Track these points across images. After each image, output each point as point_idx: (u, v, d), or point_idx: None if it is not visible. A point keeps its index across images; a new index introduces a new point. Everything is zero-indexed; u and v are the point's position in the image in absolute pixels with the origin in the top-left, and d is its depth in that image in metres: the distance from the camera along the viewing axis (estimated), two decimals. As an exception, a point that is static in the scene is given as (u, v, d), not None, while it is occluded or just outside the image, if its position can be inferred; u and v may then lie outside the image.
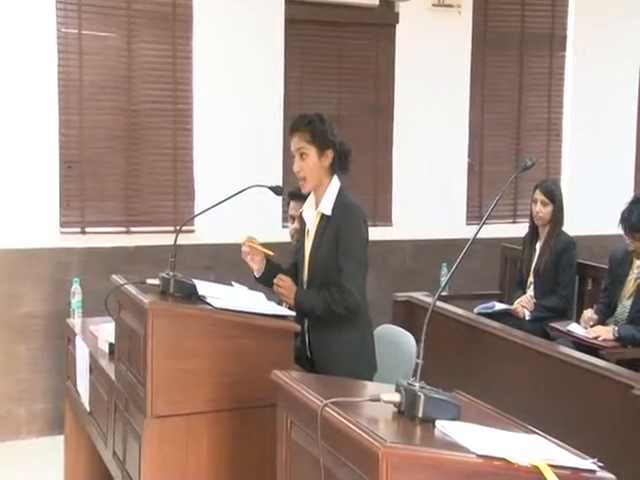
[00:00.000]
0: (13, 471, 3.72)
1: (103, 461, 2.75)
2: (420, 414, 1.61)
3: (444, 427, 1.58)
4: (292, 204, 3.53)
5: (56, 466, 3.34)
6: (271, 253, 2.75)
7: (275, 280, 2.67)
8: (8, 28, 4.13)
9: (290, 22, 4.72)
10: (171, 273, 2.50)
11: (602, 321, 3.72)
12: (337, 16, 4.89)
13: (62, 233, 4.30)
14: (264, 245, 2.76)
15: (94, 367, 2.81)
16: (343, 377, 2.25)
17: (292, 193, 3.52)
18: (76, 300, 3.30)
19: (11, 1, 4.13)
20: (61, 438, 3.37)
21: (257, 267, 2.75)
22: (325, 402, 1.62)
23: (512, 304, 4.08)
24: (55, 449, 3.47)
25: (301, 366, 2.69)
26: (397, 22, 5.01)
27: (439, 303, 3.80)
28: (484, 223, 1.96)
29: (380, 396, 1.65)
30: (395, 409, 1.65)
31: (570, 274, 4.07)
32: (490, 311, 3.94)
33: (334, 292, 2.60)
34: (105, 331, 2.83)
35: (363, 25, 4.97)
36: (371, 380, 2.64)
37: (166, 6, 4.46)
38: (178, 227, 2.89)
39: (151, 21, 4.45)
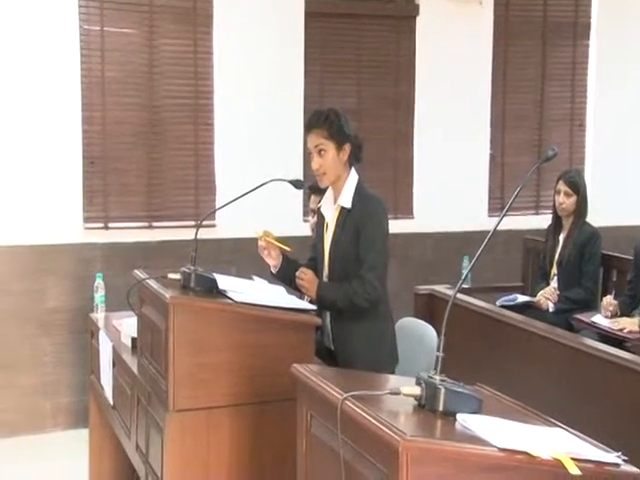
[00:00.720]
0: (39, 464, 3.77)
1: (127, 454, 2.77)
2: (441, 407, 1.61)
3: (465, 420, 1.57)
4: (313, 198, 3.53)
5: (81, 459, 3.37)
6: (288, 249, 2.74)
7: (297, 273, 2.66)
8: (31, 26, 4.17)
9: (310, 15, 4.71)
10: (192, 267, 2.51)
11: (627, 313, 3.67)
12: (357, 9, 4.87)
13: (85, 229, 4.35)
14: (281, 240, 2.74)
15: (117, 361, 2.83)
16: (365, 369, 2.25)
17: (313, 187, 3.52)
18: (99, 295, 3.32)
19: (34, -1, 4.18)
20: (86, 431, 3.40)
21: (274, 262, 2.75)
22: (345, 395, 1.61)
23: (535, 296, 4.04)
24: (80, 442, 3.51)
25: (322, 360, 2.69)
26: (417, 14, 4.98)
27: (461, 296, 3.78)
28: (505, 215, 1.94)
29: (400, 389, 1.65)
30: (415, 402, 1.64)
31: (594, 265, 4.02)
32: (512, 303, 3.91)
33: (355, 284, 2.59)
34: (128, 325, 2.85)
35: (383, 17, 4.95)
36: (393, 372, 2.63)
37: (187, 1, 4.48)
38: (199, 222, 2.90)
39: (172, 17, 4.47)
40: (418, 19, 4.98)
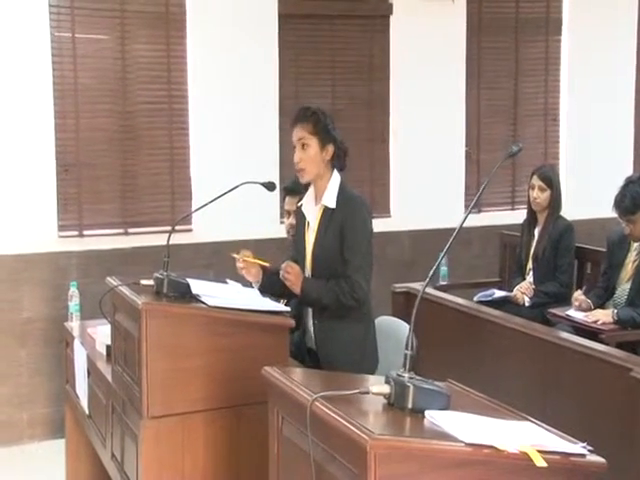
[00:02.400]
0: (17, 476, 3.73)
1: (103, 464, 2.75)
2: (410, 405, 1.61)
3: (433, 417, 1.58)
4: (287, 199, 3.53)
5: (59, 470, 3.34)
6: (266, 264, 2.74)
7: (283, 266, 2.65)
8: (1, 33, 4.13)
9: (283, 17, 4.71)
10: (165, 273, 2.50)
11: (600, 304, 3.70)
12: (330, 9, 4.87)
13: (60, 237, 4.30)
14: (258, 257, 2.75)
15: (92, 370, 2.81)
16: (347, 370, 2.25)
17: (287, 188, 3.52)
18: (73, 303, 3.29)
19: (4, 6, 4.13)
20: (63, 442, 3.37)
21: (254, 279, 2.75)
22: (314, 396, 1.62)
23: (512, 291, 4.06)
24: (57, 453, 3.47)
25: (300, 361, 2.69)
26: (391, 13, 4.99)
27: (438, 293, 3.80)
28: (470, 212, 1.97)
29: (369, 388, 1.65)
30: (385, 401, 1.65)
31: (569, 258, 4.05)
32: (490, 299, 3.92)
33: (342, 283, 2.59)
34: (102, 333, 2.84)
35: (357, 17, 4.96)
36: (374, 372, 2.63)
37: (159, 6, 4.45)
38: (172, 226, 2.89)
39: (144, 22, 4.44)
40: (392, 18, 4.99)
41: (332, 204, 2.66)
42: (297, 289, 2.64)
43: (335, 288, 2.60)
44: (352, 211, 2.63)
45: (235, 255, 2.73)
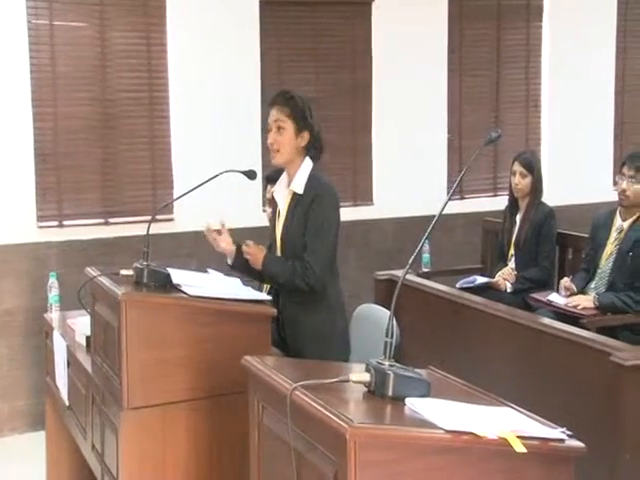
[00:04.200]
0: (-2, 469, 3.72)
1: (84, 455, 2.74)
2: (390, 393, 1.61)
3: (413, 404, 1.58)
4: (269, 188, 3.52)
5: (40, 462, 3.32)
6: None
7: (242, 246, 2.68)
8: (-24, 22, 4.08)
9: (265, 4, 4.67)
10: (145, 263, 2.48)
11: (583, 287, 3.71)
12: (312, -4, 4.85)
13: (39, 227, 4.25)
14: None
15: (72, 361, 2.79)
16: (316, 359, 2.24)
17: (269, 177, 3.51)
18: (53, 294, 3.27)
19: (-22, -6, 4.08)
20: (44, 434, 3.34)
21: (228, 247, 2.75)
22: (294, 385, 1.61)
23: (494, 277, 4.07)
24: (38, 445, 3.44)
25: (282, 350, 2.68)
26: (372, 0, 4.96)
27: (420, 280, 3.80)
28: (450, 199, 1.96)
29: (350, 377, 1.65)
30: (365, 389, 1.65)
31: (550, 244, 4.06)
32: (472, 285, 3.92)
33: (297, 266, 2.61)
34: (82, 324, 2.82)
35: (338, 4, 4.93)
36: (346, 362, 2.63)
37: (138, -8, 4.41)
38: (152, 216, 2.87)
39: (123, 9, 4.39)
40: (373, 5, 4.97)
41: (300, 190, 2.67)
42: (258, 265, 2.66)
43: (291, 269, 2.62)
44: (318, 197, 2.63)
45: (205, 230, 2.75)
